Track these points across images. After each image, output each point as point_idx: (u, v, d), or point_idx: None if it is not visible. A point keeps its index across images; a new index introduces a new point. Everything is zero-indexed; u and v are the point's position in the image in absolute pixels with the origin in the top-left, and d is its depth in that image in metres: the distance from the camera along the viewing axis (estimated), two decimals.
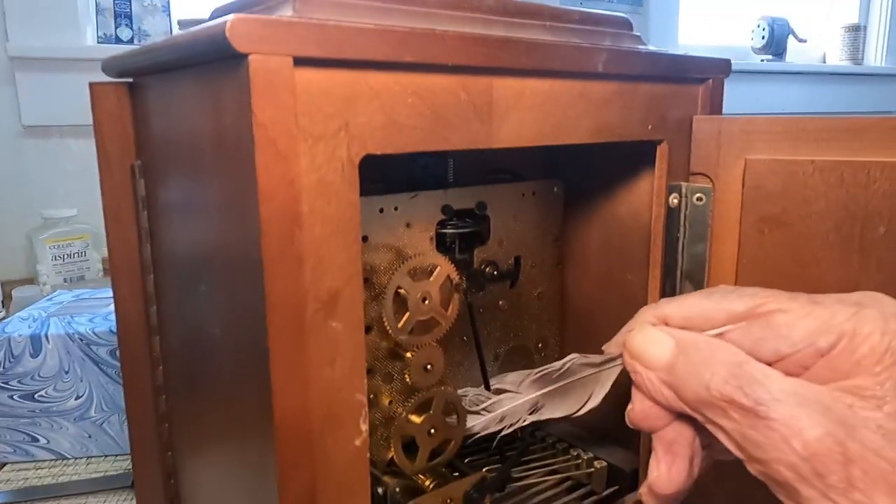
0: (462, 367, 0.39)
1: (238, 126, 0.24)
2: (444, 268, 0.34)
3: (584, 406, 0.30)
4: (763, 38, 2.01)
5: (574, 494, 0.43)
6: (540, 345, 0.45)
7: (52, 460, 0.61)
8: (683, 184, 0.39)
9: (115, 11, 1.30)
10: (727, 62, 0.39)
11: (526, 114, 0.31)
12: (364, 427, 0.28)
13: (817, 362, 0.24)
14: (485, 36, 0.29)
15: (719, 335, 0.25)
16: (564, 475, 0.43)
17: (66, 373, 0.59)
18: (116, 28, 1.30)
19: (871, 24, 2.30)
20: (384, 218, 0.34)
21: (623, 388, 0.29)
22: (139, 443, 0.38)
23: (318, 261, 0.25)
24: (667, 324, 0.27)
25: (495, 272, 0.39)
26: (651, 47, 0.39)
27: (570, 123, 0.33)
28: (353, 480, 0.28)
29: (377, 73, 0.26)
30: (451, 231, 0.37)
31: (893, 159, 0.35)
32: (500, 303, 0.42)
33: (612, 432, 0.46)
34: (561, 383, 0.30)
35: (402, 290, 0.33)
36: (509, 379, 0.33)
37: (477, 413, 0.33)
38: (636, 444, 0.43)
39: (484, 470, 0.38)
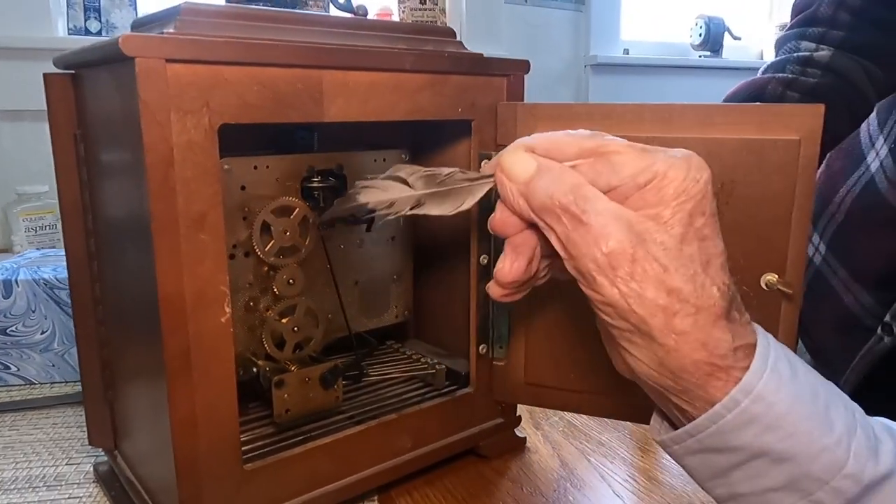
0: (328, 286, 0.53)
1: (132, 103, 0.36)
2: (301, 209, 0.48)
3: (457, 209, 0.38)
4: (700, 35, 2.16)
5: (419, 391, 0.56)
6: (395, 276, 0.58)
7: (20, 385, 0.73)
8: (492, 152, 0.52)
9: (84, 5, 1.41)
10: (525, 62, 0.53)
11: (350, 98, 0.44)
12: (228, 310, 0.41)
13: (635, 194, 0.31)
14: (313, 45, 0.42)
15: (572, 167, 0.33)
16: (410, 374, 0.57)
17: (33, 312, 0.72)
18: (86, 20, 1.41)
19: None
20: (257, 173, 0.47)
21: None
22: (83, 336, 0.51)
23: (188, 193, 0.38)
24: (534, 151, 0.34)
25: (352, 218, 0.52)
26: (466, 51, 0.52)
27: (388, 106, 0.46)
28: (220, 346, 0.41)
29: (230, 68, 0.39)
30: (313, 185, 0.50)
31: (633, 134, 0.48)
32: (358, 242, 0.55)
33: (453, 347, 0.60)
34: (443, 189, 0.37)
35: (269, 224, 0.47)
36: (406, 170, 0.38)
37: (372, 188, 0.39)
38: (467, 355, 0.56)
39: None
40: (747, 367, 0.31)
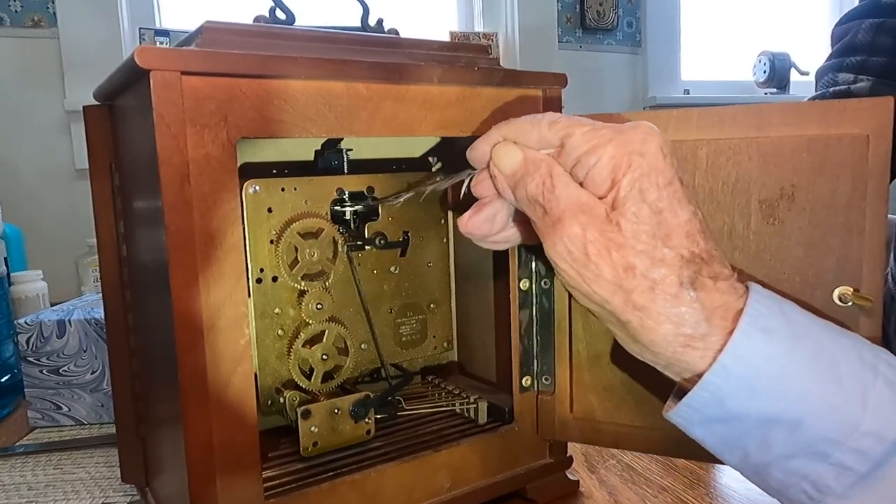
0: (361, 314, 0.51)
1: (149, 118, 0.36)
2: (329, 231, 0.46)
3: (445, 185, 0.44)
4: (765, 72, 2.09)
5: (458, 427, 0.53)
6: (432, 305, 0.55)
7: (71, 426, 0.74)
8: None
9: None
10: (562, 75, 0.50)
11: (374, 112, 0.43)
12: (247, 331, 0.39)
13: (588, 174, 0.33)
14: (331, 58, 0.41)
15: (549, 153, 0.35)
16: (450, 409, 0.53)
17: (85, 351, 0.73)
18: None
19: None
20: (285, 195, 0.46)
21: None
22: (116, 369, 0.50)
23: (205, 208, 0.37)
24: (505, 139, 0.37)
25: (384, 242, 0.50)
26: (499, 67, 0.50)
27: (415, 121, 0.44)
28: (239, 369, 0.39)
29: (248, 81, 0.38)
30: (342, 207, 0.48)
31: (679, 137, 0.45)
32: (392, 268, 0.53)
33: (497, 381, 0.56)
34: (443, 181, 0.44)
35: (296, 246, 0.45)
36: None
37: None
38: (510, 389, 0.52)
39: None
40: (731, 331, 0.30)
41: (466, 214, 0.39)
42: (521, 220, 0.38)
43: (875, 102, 0.40)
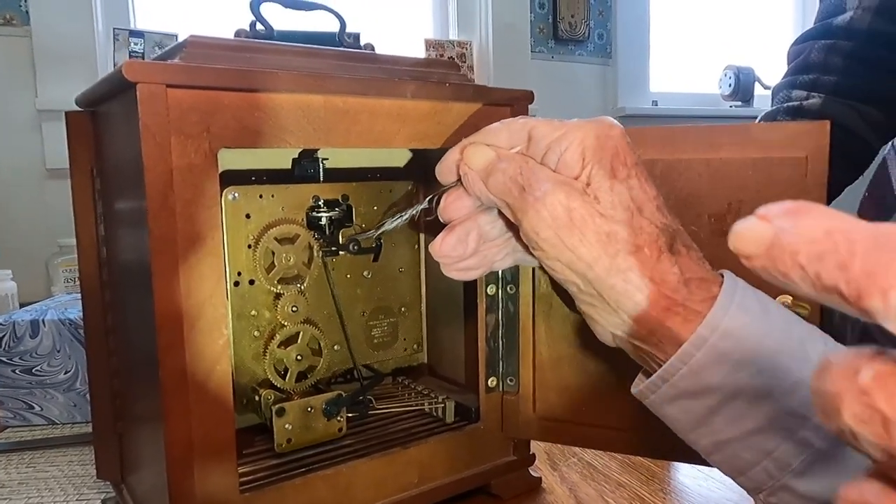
0: (335, 316, 0.53)
1: (135, 128, 0.38)
2: (305, 237, 0.48)
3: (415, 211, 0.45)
4: (730, 85, 2.16)
5: (427, 425, 0.55)
6: (403, 308, 0.58)
7: (44, 425, 0.74)
8: None
9: None
10: (529, 92, 0.53)
11: (351, 125, 0.45)
12: (226, 332, 0.41)
13: (560, 160, 0.35)
14: (312, 73, 0.43)
15: (518, 151, 0.37)
16: (418, 408, 0.55)
17: (58, 352, 0.73)
18: None
19: None
20: (263, 202, 0.48)
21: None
22: (94, 366, 0.51)
23: (188, 214, 0.39)
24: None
25: (357, 248, 0.52)
26: (470, 83, 0.53)
27: (390, 134, 0.47)
28: (218, 369, 0.41)
29: (230, 94, 0.40)
30: (318, 214, 0.50)
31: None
32: (364, 273, 0.55)
33: (465, 382, 0.58)
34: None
35: (272, 251, 0.47)
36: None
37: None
38: (477, 390, 0.55)
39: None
40: (708, 303, 0.32)
41: (438, 238, 0.39)
42: (496, 237, 0.40)
43: (813, 126, 0.44)
